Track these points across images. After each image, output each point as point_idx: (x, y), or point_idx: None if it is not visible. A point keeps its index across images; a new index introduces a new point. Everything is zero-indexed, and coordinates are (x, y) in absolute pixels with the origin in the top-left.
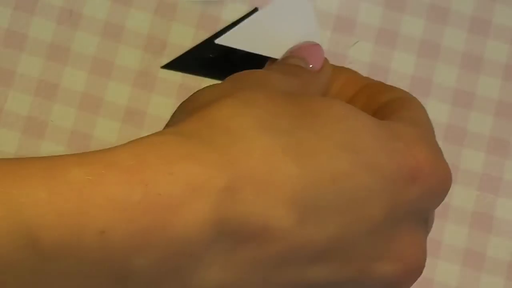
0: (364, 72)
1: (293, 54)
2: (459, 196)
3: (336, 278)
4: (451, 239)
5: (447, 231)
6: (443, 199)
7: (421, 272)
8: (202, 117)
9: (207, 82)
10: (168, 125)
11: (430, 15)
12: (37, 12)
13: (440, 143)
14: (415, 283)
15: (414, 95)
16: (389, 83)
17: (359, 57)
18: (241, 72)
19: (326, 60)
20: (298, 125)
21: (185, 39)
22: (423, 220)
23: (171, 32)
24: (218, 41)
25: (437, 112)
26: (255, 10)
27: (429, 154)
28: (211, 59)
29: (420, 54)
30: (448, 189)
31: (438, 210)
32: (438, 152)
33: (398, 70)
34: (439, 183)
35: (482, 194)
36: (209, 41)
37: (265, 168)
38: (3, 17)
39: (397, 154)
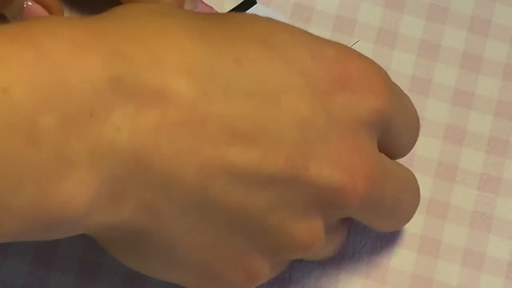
0: None
1: None
2: (459, 196)
3: (263, 166)
4: (450, 238)
5: (447, 231)
6: (380, 114)
7: (367, 189)
8: (102, 14)
9: None
10: None
11: (430, 15)
12: None
13: (440, 142)
14: (414, 281)
15: (414, 94)
16: None
17: None
18: None
19: None
20: (206, 19)
21: None
22: (368, 132)
23: None
24: None
25: (437, 112)
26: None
27: (361, 64)
28: None
29: (420, 54)
30: (384, 104)
31: (437, 210)
32: (374, 65)
33: (398, 70)
34: (371, 93)
35: (481, 194)
36: None
37: (157, 40)
38: None
39: (324, 58)
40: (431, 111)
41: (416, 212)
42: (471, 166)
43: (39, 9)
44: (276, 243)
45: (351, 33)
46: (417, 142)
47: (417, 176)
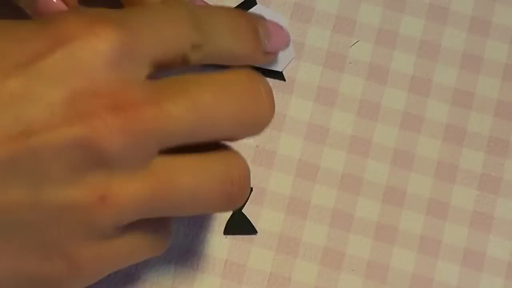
0: (364, 72)
1: (261, 22)
2: (459, 196)
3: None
4: (450, 238)
5: (447, 231)
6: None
7: (121, 125)
8: None
9: None
10: None
11: (430, 15)
12: None
13: (440, 142)
14: (414, 281)
15: (414, 95)
16: (389, 83)
17: (359, 57)
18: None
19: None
20: None
21: None
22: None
23: None
24: None
25: (437, 112)
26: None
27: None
28: None
29: (420, 54)
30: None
31: (437, 210)
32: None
33: (398, 70)
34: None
35: (481, 194)
36: None
37: None
38: None
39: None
40: (431, 111)
41: (416, 212)
42: (471, 166)
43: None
44: (69, 222)
45: (351, 33)
46: (417, 142)
47: (417, 176)
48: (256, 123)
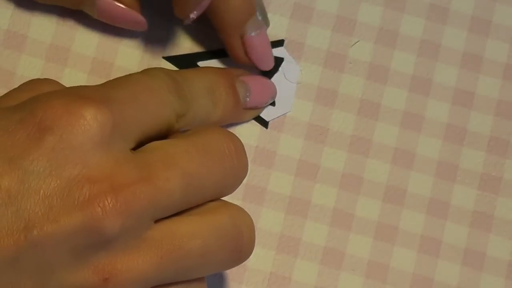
0: (364, 72)
1: (240, 78)
2: (459, 196)
3: None
4: (451, 238)
5: (447, 231)
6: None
7: (121, 205)
8: None
9: None
10: None
11: (430, 15)
12: (37, 12)
13: (440, 142)
14: (414, 281)
15: (414, 94)
16: (389, 83)
17: (359, 57)
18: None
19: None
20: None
21: (185, 40)
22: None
23: (171, 33)
24: None
25: (437, 111)
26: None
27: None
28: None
29: (420, 53)
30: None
31: (438, 209)
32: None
33: (398, 70)
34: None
35: (482, 194)
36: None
37: None
38: (3, 18)
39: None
40: (432, 111)
41: (417, 211)
42: (472, 166)
43: (111, 3)
44: None
45: (351, 33)
46: (417, 142)
47: (418, 175)
48: (237, 180)
